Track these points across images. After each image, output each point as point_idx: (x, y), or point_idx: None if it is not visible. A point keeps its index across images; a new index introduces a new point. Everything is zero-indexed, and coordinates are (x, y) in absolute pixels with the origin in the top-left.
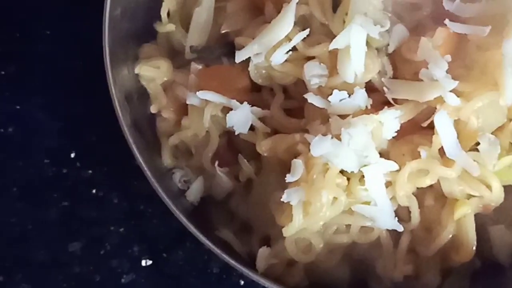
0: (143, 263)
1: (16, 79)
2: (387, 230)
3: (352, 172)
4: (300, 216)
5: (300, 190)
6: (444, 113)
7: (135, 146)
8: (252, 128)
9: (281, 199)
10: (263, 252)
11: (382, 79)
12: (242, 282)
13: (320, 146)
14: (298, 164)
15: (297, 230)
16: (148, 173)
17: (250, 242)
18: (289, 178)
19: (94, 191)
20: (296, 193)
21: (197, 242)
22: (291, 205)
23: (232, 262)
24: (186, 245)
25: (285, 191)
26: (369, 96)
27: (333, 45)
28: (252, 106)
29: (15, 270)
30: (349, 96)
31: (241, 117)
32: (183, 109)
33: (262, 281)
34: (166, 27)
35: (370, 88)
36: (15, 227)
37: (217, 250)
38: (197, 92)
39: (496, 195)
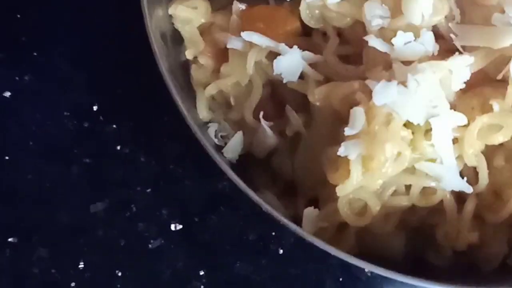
0: (173, 227)
1: (36, 25)
2: (451, 192)
3: (417, 125)
4: (359, 172)
5: (360, 143)
6: None
7: (176, 92)
8: (299, 76)
9: (337, 153)
10: (309, 213)
11: (450, 24)
12: (281, 251)
13: (384, 93)
14: (359, 112)
15: (354, 188)
16: (189, 119)
17: (294, 205)
18: (347, 130)
19: (119, 147)
20: (356, 146)
21: (231, 206)
22: (347, 161)
23: (285, 221)
24: (220, 210)
25: (342, 144)
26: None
27: None
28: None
29: (31, 232)
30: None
31: (291, 63)
32: (222, 55)
33: (316, 242)
34: None
35: (435, 34)
36: (32, 185)
37: (270, 209)
38: (241, 33)
39: None
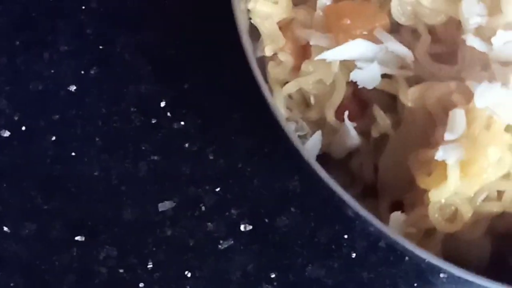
0: (242, 228)
1: (102, 17)
2: None
3: None
4: (456, 177)
5: (460, 147)
6: None
7: (262, 80)
8: (389, 75)
9: (434, 157)
10: (397, 218)
11: None
12: (354, 255)
13: (487, 95)
14: (460, 115)
15: (450, 194)
16: (277, 112)
17: (374, 208)
18: (447, 134)
19: (187, 145)
20: (456, 150)
21: (303, 207)
22: (442, 165)
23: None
24: (291, 210)
25: (441, 147)
26: None
27: None
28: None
29: (99, 230)
30: None
31: (369, 75)
32: (302, 52)
33: (406, 244)
34: None
35: None
36: (99, 182)
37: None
38: (325, 53)
39: None
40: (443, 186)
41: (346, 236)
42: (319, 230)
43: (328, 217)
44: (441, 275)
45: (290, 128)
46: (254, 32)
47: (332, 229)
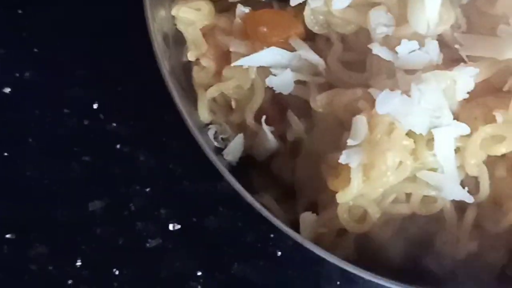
0: (171, 227)
1: (35, 19)
2: (451, 201)
3: (419, 134)
4: (359, 180)
5: (361, 152)
6: None
7: (176, 93)
8: (300, 82)
9: (339, 161)
10: (307, 218)
11: (455, 33)
12: (279, 253)
13: (387, 102)
14: (361, 121)
15: (354, 196)
16: (189, 122)
17: (293, 209)
18: (350, 140)
19: (118, 146)
20: (357, 154)
21: (230, 207)
22: (348, 168)
23: (281, 225)
24: (219, 211)
25: (344, 151)
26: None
27: None
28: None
29: (29, 228)
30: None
31: (282, 81)
32: (224, 58)
33: (313, 247)
34: None
35: (440, 43)
36: (31, 182)
37: (266, 212)
38: (242, 60)
39: None
40: (347, 188)
41: (272, 235)
42: (246, 230)
43: (255, 218)
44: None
45: (203, 139)
46: (181, 38)
47: (258, 229)
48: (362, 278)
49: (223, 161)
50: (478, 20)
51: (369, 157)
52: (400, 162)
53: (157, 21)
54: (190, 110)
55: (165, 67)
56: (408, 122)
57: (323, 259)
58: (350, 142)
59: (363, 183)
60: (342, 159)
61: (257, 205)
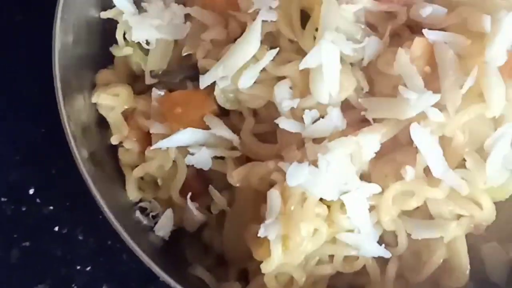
0: None
1: None
2: (373, 257)
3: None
4: (279, 251)
5: (278, 224)
6: (420, 129)
7: (91, 181)
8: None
9: (258, 235)
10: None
11: (359, 99)
12: None
13: (297, 175)
14: (274, 195)
15: (277, 265)
16: (106, 209)
17: (226, 277)
18: (267, 213)
19: (57, 228)
20: (274, 227)
21: None
22: (268, 240)
23: None
24: (159, 282)
25: (262, 225)
26: (345, 114)
27: (303, 65)
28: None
29: None
30: (323, 117)
31: (200, 159)
32: (147, 139)
33: None
34: (123, 50)
35: (347, 105)
36: None
37: None
38: (159, 143)
39: (488, 214)
40: (269, 259)
41: None
42: None
43: None
44: None
45: (121, 224)
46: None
47: None
48: None
49: (155, 237)
50: (380, 80)
51: (285, 228)
52: (315, 230)
53: (75, 109)
54: (117, 190)
55: (81, 156)
56: (318, 191)
57: None
58: (267, 215)
59: (283, 253)
60: (261, 232)
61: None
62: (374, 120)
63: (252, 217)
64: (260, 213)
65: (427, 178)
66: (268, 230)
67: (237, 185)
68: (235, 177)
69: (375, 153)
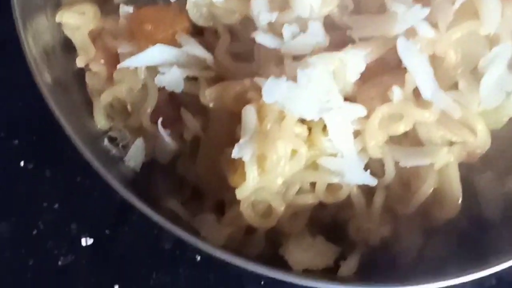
0: (83, 242)
1: None
2: (358, 186)
3: (314, 120)
4: (254, 173)
5: (253, 143)
6: (407, 44)
7: (58, 109)
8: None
9: (232, 156)
10: (207, 219)
11: (343, 16)
12: (198, 258)
13: (274, 90)
14: (249, 111)
15: (253, 190)
16: (75, 138)
17: (202, 210)
18: (242, 132)
19: (22, 163)
20: (248, 146)
21: (144, 215)
22: (244, 162)
23: (185, 234)
24: (133, 220)
25: (236, 145)
26: (329, 35)
27: None
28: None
29: None
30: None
31: (172, 79)
32: (115, 61)
33: (218, 253)
34: None
35: (331, 26)
36: None
37: (167, 224)
38: (126, 61)
39: (482, 140)
40: (244, 183)
41: None
42: (163, 237)
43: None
44: None
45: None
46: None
47: (175, 235)
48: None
49: (126, 168)
50: None
51: (261, 148)
52: (294, 151)
53: (37, 30)
54: (85, 118)
55: (44, 81)
56: (297, 109)
57: None
58: (242, 134)
59: (258, 175)
60: (235, 153)
61: (156, 217)
62: (360, 39)
63: (227, 141)
64: (236, 136)
65: (417, 101)
66: (242, 150)
67: (211, 105)
68: (208, 95)
69: (361, 75)
